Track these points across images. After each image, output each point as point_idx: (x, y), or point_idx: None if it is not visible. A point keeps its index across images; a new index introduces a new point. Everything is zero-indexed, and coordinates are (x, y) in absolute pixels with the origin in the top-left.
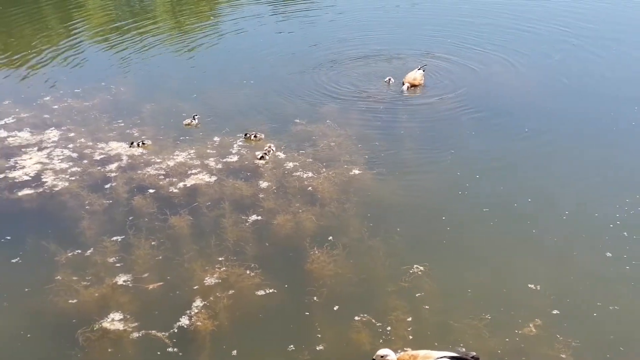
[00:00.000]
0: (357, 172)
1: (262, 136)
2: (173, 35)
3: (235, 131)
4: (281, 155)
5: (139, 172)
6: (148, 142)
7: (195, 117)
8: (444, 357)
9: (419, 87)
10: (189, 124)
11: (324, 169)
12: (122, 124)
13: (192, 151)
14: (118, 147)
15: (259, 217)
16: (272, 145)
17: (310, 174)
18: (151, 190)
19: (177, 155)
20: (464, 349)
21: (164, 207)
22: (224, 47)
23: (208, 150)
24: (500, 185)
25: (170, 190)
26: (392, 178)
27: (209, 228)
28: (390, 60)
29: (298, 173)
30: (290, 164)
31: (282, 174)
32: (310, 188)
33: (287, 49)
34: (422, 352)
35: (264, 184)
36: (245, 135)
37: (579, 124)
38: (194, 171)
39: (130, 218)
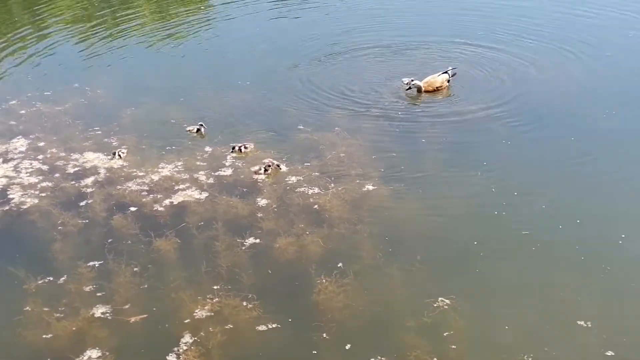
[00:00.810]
0: (371, 187)
1: (251, 146)
2: (157, 28)
3: (229, 140)
4: (283, 168)
5: (119, 187)
6: (123, 153)
7: (202, 125)
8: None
9: (441, 92)
10: (191, 131)
11: (332, 185)
12: (99, 132)
13: (179, 163)
14: (95, 159)
15: (257, 240)
16: (272, 160)
17: (316, 190)
18: (133, 209)
19: (163, 168)
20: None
21: (148, 227)
22: (215, 41)
23: (198, 163)
24: (542, 204)
25: (155, 209)
26: (412, 195)
27: (199, 252)
28: (412, 55)
29: (302, 189)
30: (293, 178)
31: (283, 190)
32: (316, 206)
33: (289, 41)
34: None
35: (262, 202)
36: (233, 148)
37: (636, 134)
38: (181, 186)
39: (109, 240)
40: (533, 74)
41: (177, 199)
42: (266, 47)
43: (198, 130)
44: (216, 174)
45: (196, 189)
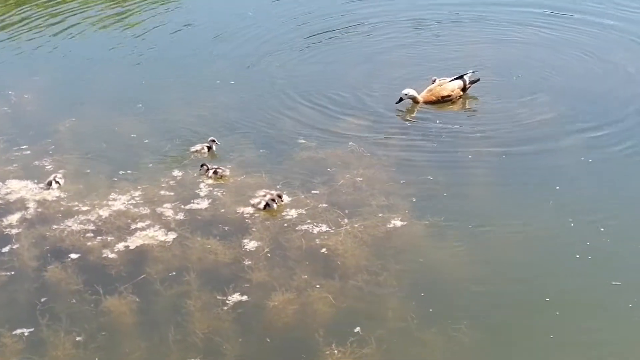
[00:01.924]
0: (398, 223)
1: (227, 172)
2: (107, 13)
3: (203, 160)
4: (284, 198)
5: (55, 227)
6: (60, 180)
7: (214, 141)
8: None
9: (453, 102)
10: (200, 152)
11: (345, 220)
12: (28, 152)
13: (137, 193)
14: (21, 189)
15: (244, 297)
16: (271, 192)
17: (324, 228)
18: (74, 256)
19: (115, 199)
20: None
21: (95, 281)
22: (185, 28)
23: (163, 192)
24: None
25: (104, 256)
26: (457, 233)
27: (165, 314)
28: (445, 45)
29: (305, 226)
30: (293, 212)
31: (279, 228)
32: (324, 250)
33: (282, 24)
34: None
35: (251, 244)
36: (202, 167)
37: None
38: (140, 224)
39: (43, 300)
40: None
41: (134, 242)
42: (253, 35)
43: (210, 149)
44: (188, 207)
45: (161, 228)
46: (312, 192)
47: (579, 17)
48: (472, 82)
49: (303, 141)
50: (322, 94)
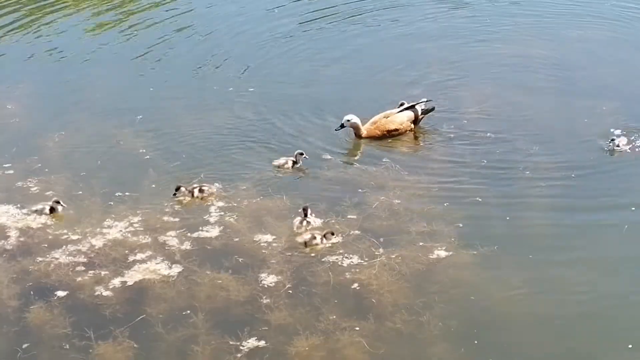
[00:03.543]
0: (443, 254)
1: (213, 189)
2: (101, 14)
3: (216, 177)
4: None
5: (40, 259)
6: (56, 205)
7: (302, 154)
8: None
9: (402, 135)
10: (281, 166)
11: (380, 249)
12: (10, 172)
13: (136, 219)
14: (2, 214)
15: (262, 342)
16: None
17: (355, 259)
18: (61, 294)
19: (110, 226)
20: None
21: (86, 324)
22: (192, 29)
23: (166, 218)
24: None
25: (97, 294)
26: (512, 265)
27: None
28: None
29: (333, 257)
30: (319, 241)
31: (303, 260)
32: (356, 285)
33: (303, 22)
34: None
35: (269, 279)
36: (177, 190)
37: None
38: (140, 256)
39: (25, 346)
40: None
41: (132, 276)
42: (270, 36)
43: (295, 163)
44: (195, 235)
45: (163, 261)
46: (341, 217)
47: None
48: (425, 112)
49: (328, 157)
50: (358, 102)
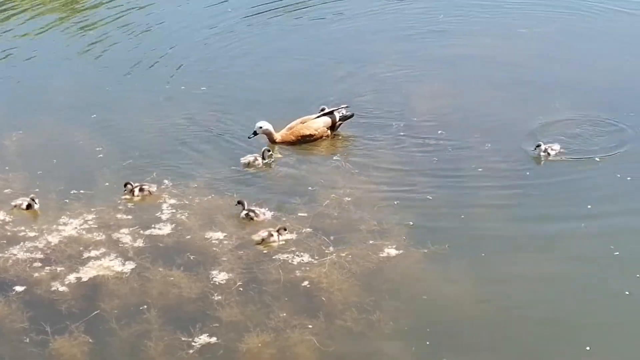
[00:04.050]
0: (393, 252)
1: (153, 188)
2: (46, 13)
3: (168, 176)
4: (253, 218)
5: None
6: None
7: (267, 152)
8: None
9: (320, 141)
10: (250, 163)
11: (330, 247)
12: None
13: (91, 216)
14: None
15: (213, 339)
16: (280, 228)
17: (306, 258)
18: (19, 289)
19: (66, 224)
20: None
21: (42, 319)
22: (143, 26)
23: (120, 215)
24: None
25: (53, 289)
26: (462, 264)
27: (121, 357)
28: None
29: (284, 255)
30: (276, 238)
31: (254, 257)
32: (306, 283)
33: (247, 15)
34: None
35: (220, 277)
36: (126, 186)
37: None
38: (94, 253)
39: None
40: None
41: (87, 273)
42: (225, 37)
43: (264, 158)
44: (148, 232)
45: (117, 257)
46: (291, 215)
47: None
48: (344, 119)
49: (279, 155)
50: (310, 101)
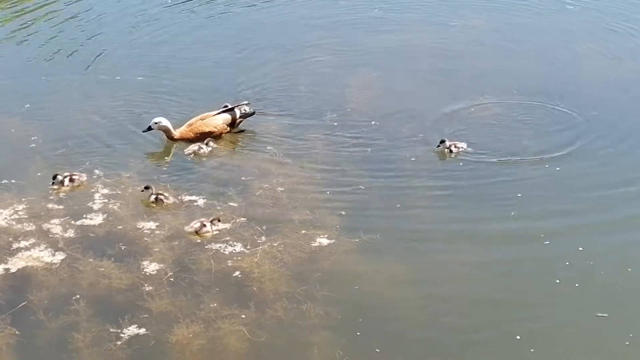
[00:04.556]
0: (325, 241)
1: (83, 178)
2: None
3: (101, 165)
4: (182, 209)
5: None
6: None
7: (209, 143)
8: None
9: (219, 137)
10: (195, 153)
11: (262, 237)
12: None
13: (21, 206)
14: None
15: (142, 330)
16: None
17: (238, 247)
18: None
19: None
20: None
21: None
22: (79, 17)
23: (51, 205)
24: (628, 267)
25: None
26: (394, 253)
27: (48, 350)
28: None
29: (216, 245)
30: (209, 229)
31: (185, 248)
32: (237, 273)
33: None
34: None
35: (151, 267)
36: (54, 178)
37: None
38: (24, 243)
39: None
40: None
41: (15, 263)
42: (165, 25)
43: (199, 151)
44: (79, 223)
45: (47, 248)
46: (224, 204)
47: None
48: (244, 116)
49: (213, 145)
50: (249, 92)
